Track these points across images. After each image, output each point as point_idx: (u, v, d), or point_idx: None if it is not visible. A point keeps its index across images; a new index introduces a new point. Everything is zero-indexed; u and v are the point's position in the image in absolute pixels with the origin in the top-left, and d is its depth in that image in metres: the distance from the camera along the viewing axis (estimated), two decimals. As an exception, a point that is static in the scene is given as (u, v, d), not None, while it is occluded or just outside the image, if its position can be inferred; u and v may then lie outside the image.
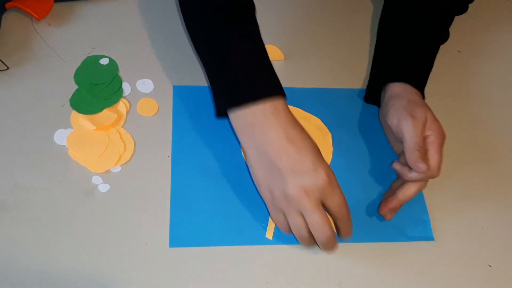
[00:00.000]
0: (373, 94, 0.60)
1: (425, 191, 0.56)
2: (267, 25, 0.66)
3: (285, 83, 0.60)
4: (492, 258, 0.53)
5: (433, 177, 0.51)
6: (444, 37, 0.63)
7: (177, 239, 0.50)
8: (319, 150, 0.48)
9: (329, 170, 0.47)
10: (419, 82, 0.57)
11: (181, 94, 0.59)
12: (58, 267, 0.47)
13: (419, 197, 0.56)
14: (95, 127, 0.54)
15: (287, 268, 0.50)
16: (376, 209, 0.54)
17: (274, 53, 0.63)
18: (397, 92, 0.55)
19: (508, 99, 0.65)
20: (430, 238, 0.54)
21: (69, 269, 0.47)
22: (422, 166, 0.49)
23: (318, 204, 0.46)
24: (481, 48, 0.69)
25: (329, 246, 0.48)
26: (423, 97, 0.57)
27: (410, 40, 0.59)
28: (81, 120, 0.55)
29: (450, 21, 0.63)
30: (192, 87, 0.59)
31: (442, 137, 0.52)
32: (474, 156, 0.60)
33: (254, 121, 0.47)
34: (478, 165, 0.59)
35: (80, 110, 0.55)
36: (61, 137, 0.54)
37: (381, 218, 0.54)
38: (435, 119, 0.52)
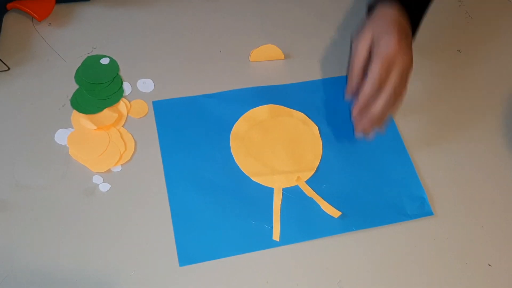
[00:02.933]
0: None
1: (426, 192, 0.56)
2: (267, 25, 0.66)
3: (285, 82, 0.61)
4: (491, 258, 0.53)
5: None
6: None
7: (186, 257, 0.49)
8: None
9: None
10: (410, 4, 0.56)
11: (162, 109, 0.57)
12: (59, 267, 0.48)
13: (411, 175, 0.56)
14: (95, 127, 0.54)
15: (287, 268, 0.50)
16: (371, 194, 0.54)
17: (274, 53, 0.63)
18: (384, 10, 0.55)
19: (509, 99, 0.65)
20: (429, 213, 0.54)
21: (69, 268, 0.48)
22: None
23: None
24: (481, 48, 0.69)
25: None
26: (415, 27, 0.57)
27: None
28: (81, 120, 0.55)
29: None
30: (172, 100, 0.58)
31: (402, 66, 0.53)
32: (474, 157, 0.60)
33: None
34: (479, 165, 0.59)
35: (80, 110, 0.55)
36: (62, 136, 0.54)
37: (378, 203, 0.54)
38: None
